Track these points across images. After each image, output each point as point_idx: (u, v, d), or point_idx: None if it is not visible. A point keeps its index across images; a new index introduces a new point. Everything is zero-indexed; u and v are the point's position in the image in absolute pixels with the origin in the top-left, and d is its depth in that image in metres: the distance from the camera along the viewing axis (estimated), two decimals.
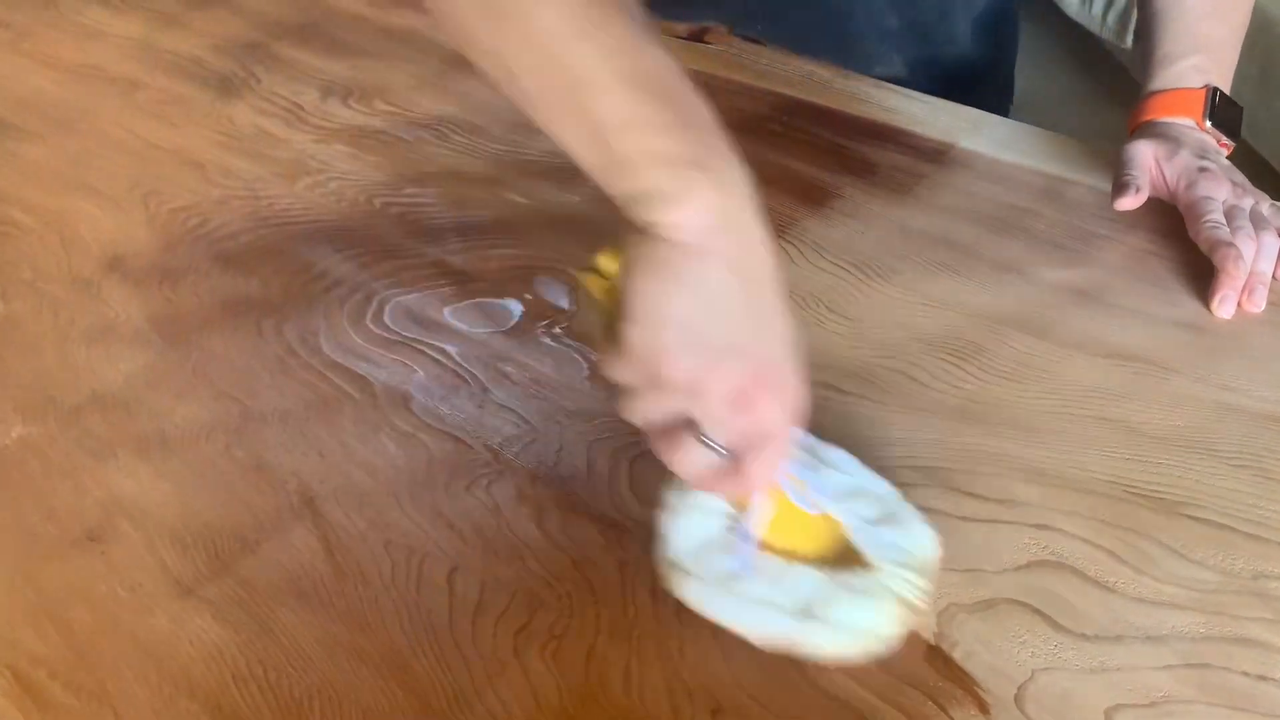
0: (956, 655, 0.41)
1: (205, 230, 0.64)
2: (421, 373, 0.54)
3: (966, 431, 0.50)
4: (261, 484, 0.48)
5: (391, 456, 0.49)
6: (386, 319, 0.57)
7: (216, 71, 0.80)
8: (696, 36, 0.82)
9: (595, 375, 0.53)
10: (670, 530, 0.43)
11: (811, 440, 0.45)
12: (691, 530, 0.43)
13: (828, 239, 0.62)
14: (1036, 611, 0.42)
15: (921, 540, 0.43)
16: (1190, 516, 0.46)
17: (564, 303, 0.58)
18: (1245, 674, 0.40)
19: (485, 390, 0.52)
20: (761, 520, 0.42)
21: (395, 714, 0.39)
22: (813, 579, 0.41)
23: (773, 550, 0.42)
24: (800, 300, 0.58)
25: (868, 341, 0.55)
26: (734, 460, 0.39)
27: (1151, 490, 0.47)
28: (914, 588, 0.41)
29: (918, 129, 0.72)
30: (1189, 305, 0.57)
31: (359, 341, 0.55)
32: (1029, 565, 0.44)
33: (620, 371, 0.38)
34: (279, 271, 0.61)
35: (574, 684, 0.40)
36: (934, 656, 0.41)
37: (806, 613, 0.40)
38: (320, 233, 0.63)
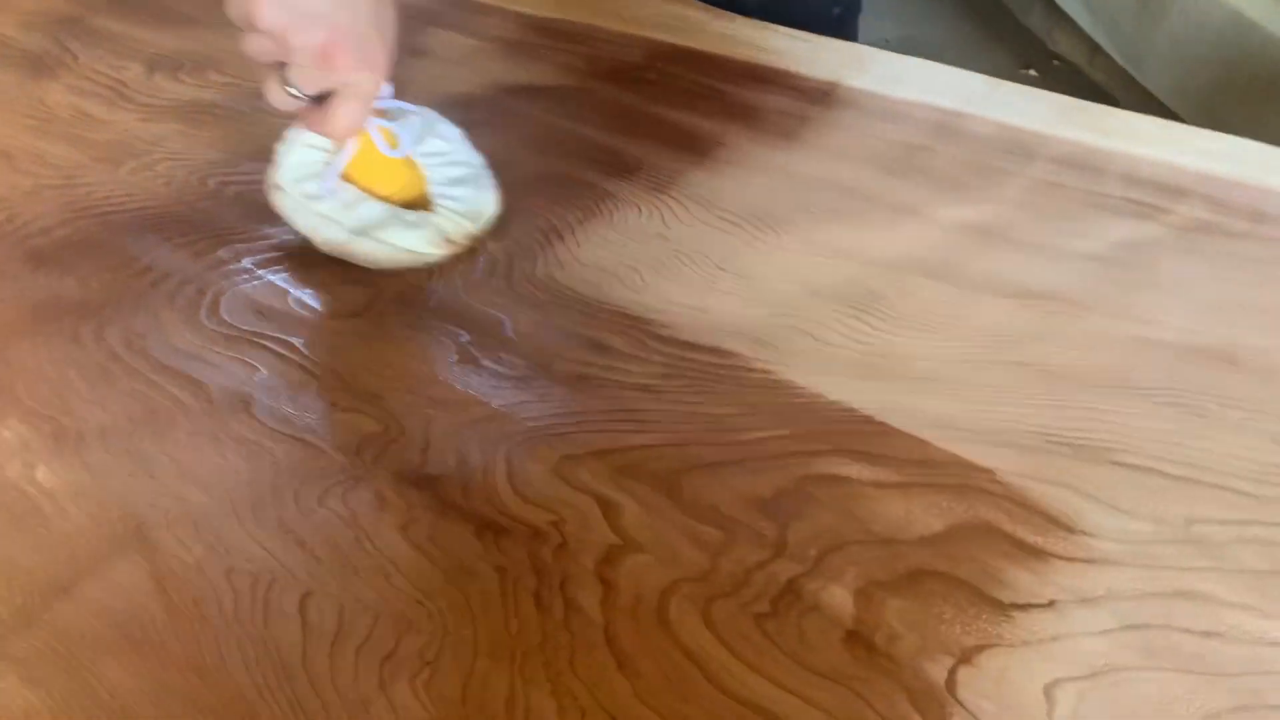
0: (879, 640, 0.37)
1: (13, 226, 0.56)
2: (265, 370, 0.47)
3: (873, 389, 0.46)
4: (80, 514, 0.41)
5: (232, 470, 0.43)
6: (224, 313, 0.50)
7: (26, 50, 0.71)
8: None
9: (465, 357, 0.47)
10: (280, 157, 0.52)
11: (430, 112, 0.55)
12: (296, 159, 0.52)
13: (713, 191, 0.57)
14: (963, 583, 0.38)
15: (485, 198, 0.54)
16: (1117, 463, 0.42)
17: (425, 275, 0.52)
18: (1189, 631, 0.37)
19: (334, 387, 0.46)
20: (347, 157, 0.51)
21: None
22: (377, 209, 0.52)
23: (356, 185, 0.52)
24: (688, 259, 0.53)
25: (762, 300, 0.51)
26: (321, 105, 0.48)
27: (1073, 438, 0.43)
28: (458, 226, 0.52)
29: (801, 69, 0.67)
30: (1098, 237, 0.54)
31: (193, 340, 0.49)
32: (950, 531, 0.40)
33: (233, 8, 0.46)
34: (100, 268, 0.53)
35: (450, 716, 0.35)
36: (854, 644, 0.37)
37: (361, 231, 0.51)
38: (147, 221, 0.56)
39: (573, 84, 0.65)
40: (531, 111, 0.64)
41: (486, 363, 0.47)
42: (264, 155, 0.60)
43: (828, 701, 0.35)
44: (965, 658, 0.36)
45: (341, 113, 0.48)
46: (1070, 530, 0.40)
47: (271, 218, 0.55)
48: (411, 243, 0.51)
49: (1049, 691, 0.35)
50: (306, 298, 0.51)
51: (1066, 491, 0.41)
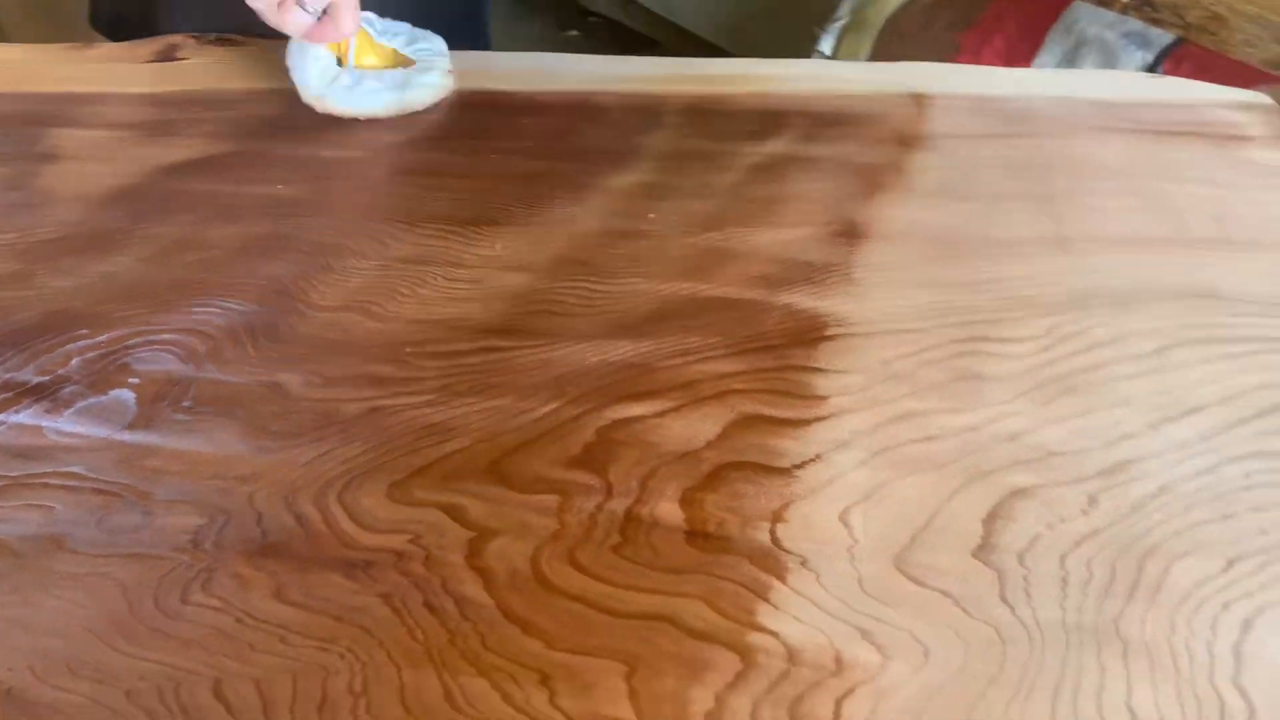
0: (711, 529, 0.45)
1: None
2: (60, 506, 0.47)
3: (621, 341, 0.54)
4: None
5: (79, 606, 0.43)
6: None
7: None
8: (166, 55, 0.76)
9: (252, 431, 0.50)
10: (300, 80, 0.69)
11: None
12: (315, 71, 0.69)
13: (409, 212, 0.62)
14: (752, 464, 0.48)
15: (437, 42, 0.74)
16: (821, 338, 0.53)
17: (173, 367, 0.53)
18: (915, 441, 0.48)
19: (144, 494, 0.47)
20: (355, 50, 0.70)
21: None
22: (397, 73, 0.71)
23: (365, 68, 0.71)
24: (418, 278, 0.58)
25: (498, 295, 0.57)
26: (326, 17, 0.66)
27: (783, 332, 0.54)
28: (442, 62, 0.73)
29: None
30: (737, 168, 0.65)
31: None
32: (726, 430, 0.49)
33: None
34: None
35: None
36: (694, 540, 0.45)
37: (403, 85, 0.70)
38: None
39: (231, 149, 0.67)
40: (202, 186, 0.64)
41: (276, 429, 0.50)
42: None
43: (696, 587, 0.43)
44: (777, 518, 0.45)
45: (347, 14, 0.66)
46: (810, 399, 0.50)
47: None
48: (436, 79, 0.71)
49: (843, 519, 0.45)
50: (63, 425, 0.50)
51: (796, 372, 0.52)
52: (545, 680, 0.40)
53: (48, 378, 0.52)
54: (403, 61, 0.73)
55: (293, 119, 0.70)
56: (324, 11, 0.66)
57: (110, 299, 0.57)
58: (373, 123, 0.70)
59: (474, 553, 0.44)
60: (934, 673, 0.40)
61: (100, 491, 0.47)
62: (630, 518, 0.46)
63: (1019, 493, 0.46)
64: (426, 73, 0.71)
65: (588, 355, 0.53)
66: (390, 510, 0.46)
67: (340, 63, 0.70)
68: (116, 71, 0.74)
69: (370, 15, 0.72)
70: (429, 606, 0.43)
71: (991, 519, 0.45)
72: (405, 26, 0.74)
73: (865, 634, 0.41)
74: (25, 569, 0.44)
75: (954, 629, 0.41)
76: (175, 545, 0.45)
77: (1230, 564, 0.43)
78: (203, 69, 0.75)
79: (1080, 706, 0.39)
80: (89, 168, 0.66)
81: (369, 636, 0.42)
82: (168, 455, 0.49)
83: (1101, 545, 0.44)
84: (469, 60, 0.75)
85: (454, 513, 0.46)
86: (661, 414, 0.50)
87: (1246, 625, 0.41)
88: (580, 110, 0.70)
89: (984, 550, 0.44)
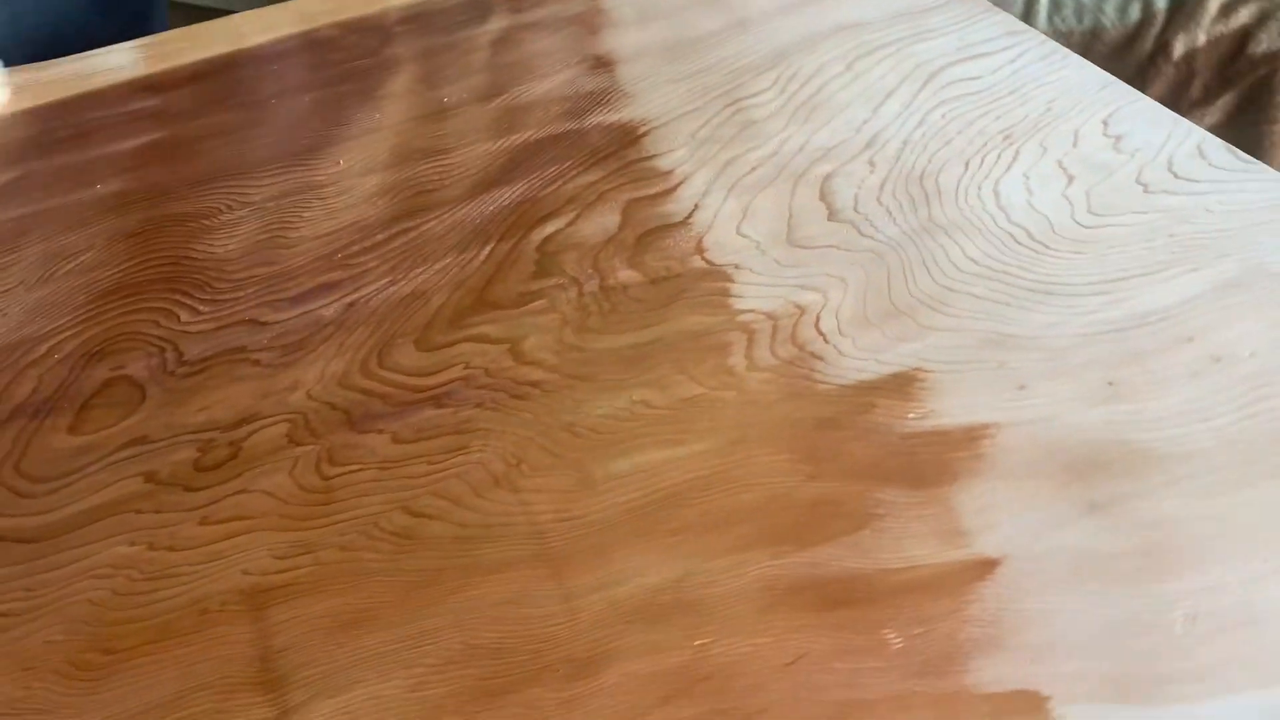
0: (662, 275, 0.59)
1: None
2: (154, 469, 0.50)
3: (501, 189, 0.65)
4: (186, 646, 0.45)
5: (237, 521, 0.48)
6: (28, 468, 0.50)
7: None
8: None
9: (256, 361, 0.56)
10: None
11: None
12: None
13: (238, 165, 0.68)
14: (657, 228, 0.62)
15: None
16: (642, 135, 0.69)
17: (144, 343, 0.56)
18: (747, 173, 0.66)
19: (217, 433, 0.52)
20: None
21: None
22: None
23: None
24: (293, 213, 0.64)
25: (369, 195, 0.65)
26: None
27: (627, 143, 0.68)
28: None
29: (160, 67, 0.76)
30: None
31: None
32: (625, 217, 0.63)
33: None
34: None
35: (529, 459, 0.50)
36: (658, 285, 0.59)
37: None
38: None
39: (17, 174, 0.66)
40: (21, 211, 0.65)
41: (280, 346, 0.56)
42: None
43: (683, 309, 0.57)
44: (699, 250, 0.61)
45: None
46: (663, 175, 0.66)
47: None
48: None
49: (740, 233, 0.62)
50: (90, 423, 0.53)
51: (640, 163, 0.67)
52: (637, 395, 0.53)
53: (34, 394, 0.54)
54: None
55: (53, 132, 0.71)
56: None
57: (29, 321, 0.58)
58: (150, 108, 0.72)
59: (516, 355, 0.56)
60: (854, 287, 0.58)
61: (175, 447, 0.52)
62: (605, 289, 0.59)
63: (828, 176, 0.65)
64: None
65: (483, 208, 0.64)
66: (429, 358, 0.56)
67: None
68: None
69: None
70: (515, 396, 0.53)
71: (823, 196, 0.64)
72: None
73: (803, 287, 0.59)
74: (165, 523, 0.49)
75: (848, 261, 0.60)
76: (279, 449, 0.51)
77: (967, 163, 0.65)
78: None
79: (943, 267, 0.59)
80: None
81: (490, 431, 0.52)
82: (206, 400, 0.54)
83: (893, 184, 0.64)
84: (162, 41, 0.78)
85: (478, 339, 0.56)
86: (571, 223, 0.63)
87: (995, 188, 0.63)
88: (313, 46, 0.78)
89: (832, 215, 0.63)
